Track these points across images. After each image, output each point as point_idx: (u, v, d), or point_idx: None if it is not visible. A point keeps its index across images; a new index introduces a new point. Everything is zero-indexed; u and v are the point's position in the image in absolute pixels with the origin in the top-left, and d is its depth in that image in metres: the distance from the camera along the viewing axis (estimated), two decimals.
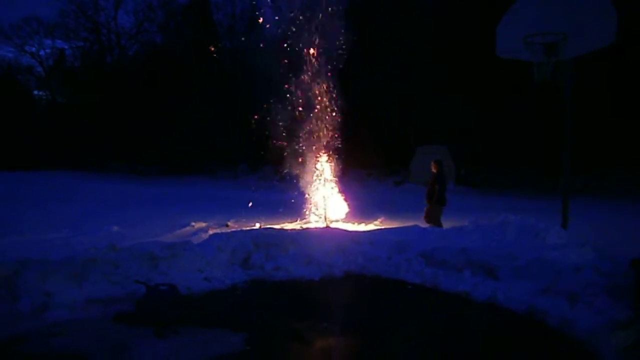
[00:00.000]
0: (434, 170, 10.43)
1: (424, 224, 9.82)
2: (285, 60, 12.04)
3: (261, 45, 13.72)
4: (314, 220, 11.87)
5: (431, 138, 22.59)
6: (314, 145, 12.22)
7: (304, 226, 11.02)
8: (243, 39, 29.17)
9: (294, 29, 11.86)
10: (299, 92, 12.07)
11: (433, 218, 10.21)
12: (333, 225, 11.42)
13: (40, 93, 44.49)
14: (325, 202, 12.02)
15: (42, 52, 41.91)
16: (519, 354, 4.68)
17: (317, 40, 11.81)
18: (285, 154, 12.35)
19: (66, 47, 40.45)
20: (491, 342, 4.96)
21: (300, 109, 12.16)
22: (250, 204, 12.72)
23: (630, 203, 15.66)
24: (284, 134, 12.22)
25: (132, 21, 53.49)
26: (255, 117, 13.19)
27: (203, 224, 11.01)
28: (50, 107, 42.34)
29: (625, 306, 5.06)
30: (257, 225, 10.87)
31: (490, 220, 8.69)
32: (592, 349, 4.53)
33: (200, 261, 7.05)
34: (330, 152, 12.32)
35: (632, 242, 5.77)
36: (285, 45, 12.01)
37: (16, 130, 35.02)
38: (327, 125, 12.22)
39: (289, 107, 12.15)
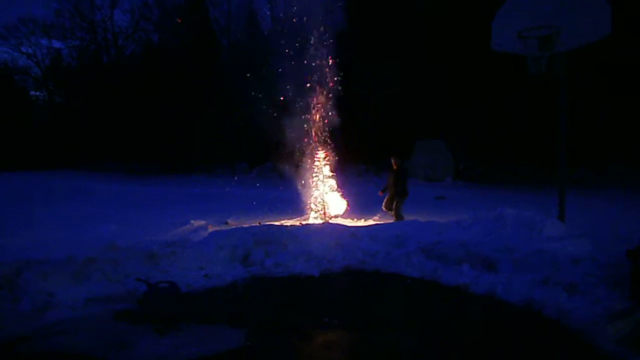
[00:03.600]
0: (394, 166, 10.99)
1: (422, 219, 9.87)
2: (282, 53, 12.04)
3: (258, 41, 13.72)
4: (313, 217, 11.91)
5: (429, 133, 22.63)
6: (312, 141, 12.25)
7: (304, 222, 11.06)
8: (240, 37, 29.17)
9: (291, 24, 11.89)
10: (297, 89, 12.08)
11: (396, 211, 10.75)
12: (332, 221, 11.45)
13: (38, 93, 44.44)
14: (324, 198, 12.06)
15: (38, 53, 41.80)
16: (518, 345, 4.71)
17: (314, 36, 11.82)
18: (284, 151, 12.37)
19: (62, 47, 40.45)
20: (490, 334, 4.99)
21: (299, 104, 12.17)
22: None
23: (627, 194, 15.73)
24: (282, 132, 12.23)
25: (128, 20, 53.30)
26: (254, 114, 13.19)
27: (202, 222, 11.01)
28: (47, 108, 42.28)
29: (622, 296, 5.12)
30: (257, 223, 10.89)
31: (489, 214, 8.71)
32: (589, 338, 4.56)
33: (200, 258, 7.10)
34: (328, 148, 12.35)
35: (629, 232, 5.81)
36: (281, 41, 12.04)
37: (14, 131, 35.01)
38: (325, 121, 12.25)
39: (287, 105, 12.17)
